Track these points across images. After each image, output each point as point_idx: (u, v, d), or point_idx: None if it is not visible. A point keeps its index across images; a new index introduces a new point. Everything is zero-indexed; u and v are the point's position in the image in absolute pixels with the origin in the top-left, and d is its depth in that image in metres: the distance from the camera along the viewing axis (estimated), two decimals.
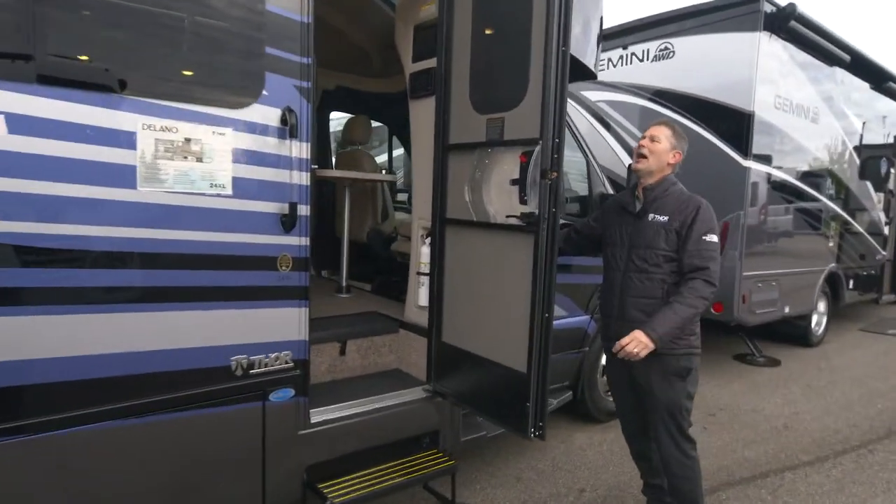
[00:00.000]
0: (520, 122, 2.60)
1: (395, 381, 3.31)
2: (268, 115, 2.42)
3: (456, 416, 3.19)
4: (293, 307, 2.60)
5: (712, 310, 5.52)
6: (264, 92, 2.40)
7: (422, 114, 3.30)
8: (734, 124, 5.44)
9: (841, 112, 6.86)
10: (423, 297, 3.32)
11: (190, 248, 2.28)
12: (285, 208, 2.49)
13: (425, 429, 3.12)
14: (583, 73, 3.43)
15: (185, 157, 2.23)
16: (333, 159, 5.71)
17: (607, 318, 2.75)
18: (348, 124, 5.02)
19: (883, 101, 7.71)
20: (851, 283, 7.56)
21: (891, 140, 8.09)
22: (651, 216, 2.58)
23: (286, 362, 2.60)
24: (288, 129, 2.45)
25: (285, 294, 2.56)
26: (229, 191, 2.36)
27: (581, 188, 4.19)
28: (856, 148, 7.29)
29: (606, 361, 2.98)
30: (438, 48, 3.00)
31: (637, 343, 2.42)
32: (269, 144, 2.45)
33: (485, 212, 2.76)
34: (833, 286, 7.29)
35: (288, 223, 2.50)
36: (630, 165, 2.75)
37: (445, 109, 3.00)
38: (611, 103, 6.51)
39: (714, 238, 2.47)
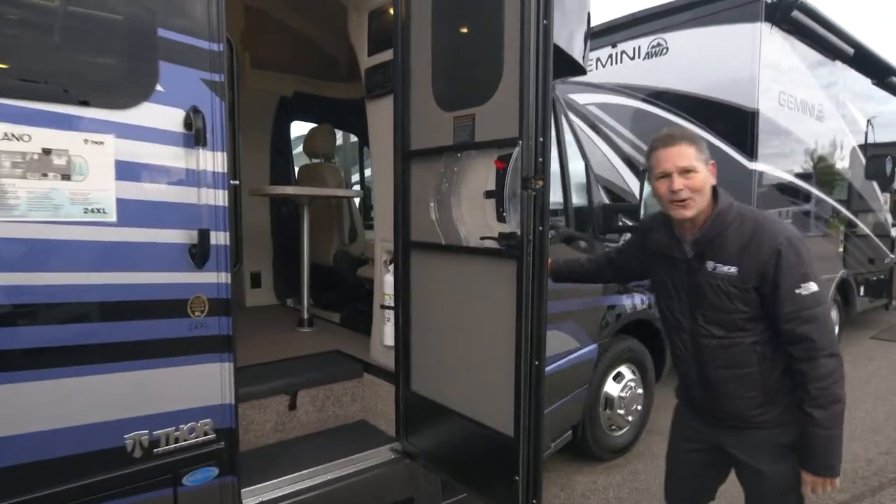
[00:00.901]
0: (494, 118, 2.06)
1: (358, 438, 2.73)
2: (165, 117, 1.87)
3: (433, 479, 2.61)
4: (212, 362, 2.03)
5: None
6: (158, 87, 1.85)
7: (380, 116, 2.76)
8: (737, 124, 4.96)
9: (845, 109, 6.42)
10: (388, 335, 2.75)
11: (58, 296, 1.71)
12: (194, 236, 1.92)
13: (396, 497, 2.54)
14: (570, 67, 2.92)
15: (45, 175, 1.66)
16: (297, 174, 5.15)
17: (686, 381, 1.96)
18: (309, 135, 4.48)
19: (886, 98, 7.29)
20: (862, 289, 7.08)
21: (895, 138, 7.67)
22: (711, 266, 1.73)
23: (205, 434, 2.02)
24: (194, 134, 1.89)
25: (201, 346, 1.99)
26: (112, 217, 1.80)
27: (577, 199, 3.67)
28: (861, 146, 6.85)
29: (671, 435, 2.17)
30: (394, 35, 2.47)
31: (824, 488, 1.69)
32: (169, 155, 1.89)
33: (455, 233, 2.21)
34: (844, 294, 6.80)
35: (199, 256, 1.93)
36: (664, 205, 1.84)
37: (404, 108, 2.46)
38: (602, 106, 6.02)
39: (812, 287, 1.60)
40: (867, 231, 7.11)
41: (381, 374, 2.82)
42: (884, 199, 7.54)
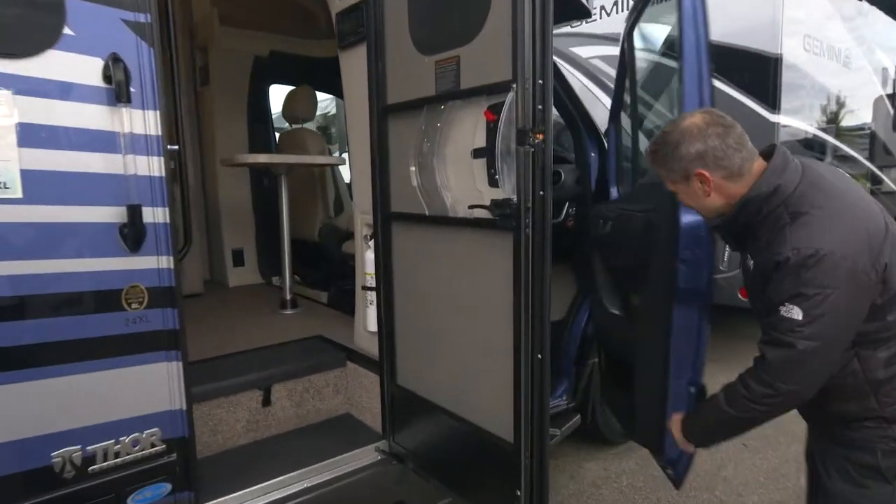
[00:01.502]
0: (482, 59, 1.68)
1: (342, 435, 2.44)
2: (77, 67, 1.51)
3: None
4: (157, 362, 1.72)
5: (739, 294, 4.64)
6: (66, 31, 1.49)
7: (354, 68, 2.37)
8: (758, 73, 4.50)
9: (873, 55, 5.92)
10: (372, 320, 2.43)
11: None
12: (123, 214, 1.58)
13: (384, 502, 2.27)
14: (574, 9, 2.53)
15: None
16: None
17: None
18: (288, 98, 4.08)
19: None
20: None
21: None
22: (751, 262, 1.44)
23: (152, 445, 1.73)
24: (114, 89, 1.54)
25: (141, 344, 1.68)
26: (17, 192, 1.46)
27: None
28: (889, 96, 6.36)
29: None
30: None
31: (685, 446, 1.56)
32: (85, 116, 1.54)
33: (441, 201, 1.86)
34: None
35: (131, 237, 1.60)
36: None
37: (378, 55, 2.08)
38: (608, 59, 5.54)
39: (795, 314, 1.23)
40: (893, 187, 6.68)
41: (366, 362, 2.51)
42: None
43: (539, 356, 1.63)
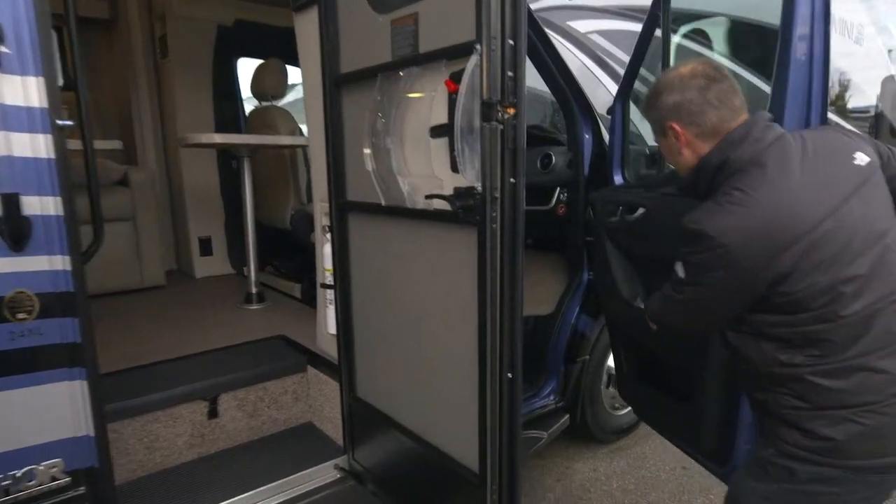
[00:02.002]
0: (443, 16, 1.38)
1: (300, 448, 2.18)
2: None
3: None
4: (56, 381, 1.44)
5: None
6: None
7: (309, 33, 2.05)
8: (764, 48, 4.18)
9: (885, 30, 5.58)
10: (332, 322, 2.15)
11: None
12: None
13: None
14: None
15: None
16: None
17: None
18: (257, 72, 3.75)
19: None
20: None
21: None
22: None
23: (53, 479, 1.46)
24: None
25: (34, 362, 1.40)
26: None
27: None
28: None
29: None
30: None
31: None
32: None
33: (397, 189, 1.56)
34: None
35: (9, 233, 1.31)
36: None
37: (331, 16, 1.77)
38: (607, 35, 5.19)
39: (680, 272, 1.21)
40: None
41: (328, 368, 2.24)
42: None
43: (509, 375, 1.36)
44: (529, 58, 2.82)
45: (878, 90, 5.66)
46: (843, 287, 1.07)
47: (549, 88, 2.85)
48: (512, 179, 1.29)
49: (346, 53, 1.76)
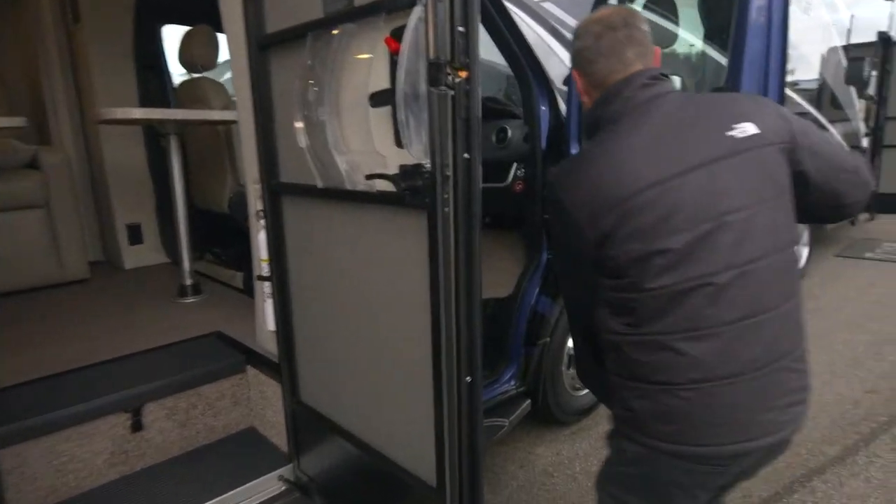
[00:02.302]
0: None
1: (241, 458, 1.97)
2: None
3: None
4: None
5: None
6: None
7: None
8: (717, 13, 4.10)
9: (831, 2, 5.65)
10: (271, 318, 1.94)
11: None
12: None
13: None
14: None
15: None
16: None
17: None
18: (184, 41, 3.39)
19: None
20: None
21: (873, 38, 7.01)
22: None
23: None
24: None
25: None
26: None
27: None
28: (844, 47, 6.16)
29: None
30: None
31: None
32: None
33: (335, 168, 1.35)
34: None
35: None
36: None
37: None
38: (560, 3, 5.00)
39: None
40: (842, 143, 6.57)
41: (269, 368, 2.02)
42: (859, 106, 6.97)
43: (468, 379, 1.19)
44: (483, 26, 2.64)
45: (821, 61, 5.77)
46: (655, 259, 1.01)
47: (505, 58, 2.68)
48: (466, 155, 1.11)
49: (273, 11, 1.51)
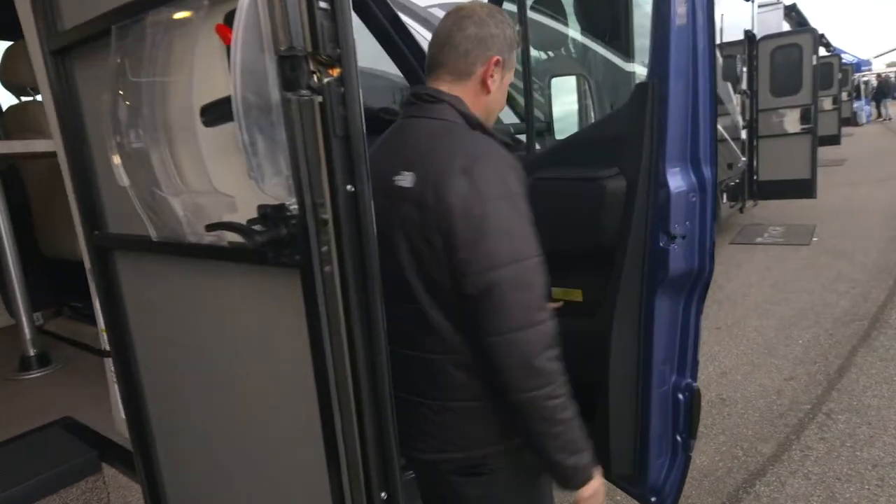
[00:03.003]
0: None
1: None
2: None
3: None
4: None
5: None
6: None
7: None
8: (611, 14, 4.10)
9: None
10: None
11: None
12: None
13: None
14: None
15: None
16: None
17: None
18: (4, 58, 2.78)
19: None
20: (725, 196, 7.02)
21: (740, 37, 7.54)
22: None
23: None
24: None
25: None
26: None
27: None
28: (718, 46, 6.50)
29: None
30: None
31: None
32: None
33: (171, 214, 0.96)
34: None
35: None
36: None
37: None
38: (448, 7, 4.81)
39: None
40: (725, 136, 6.95)
41: (130, 465, 1.56)
42: (736, 100, 7.43)
43: (383, 495, 0.86)
44: (377, 38, 2.35)
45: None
46: None
47: (400, 69, 2.42)
48: (350, 187, 0.78)
49: (69, 4, 1.10)
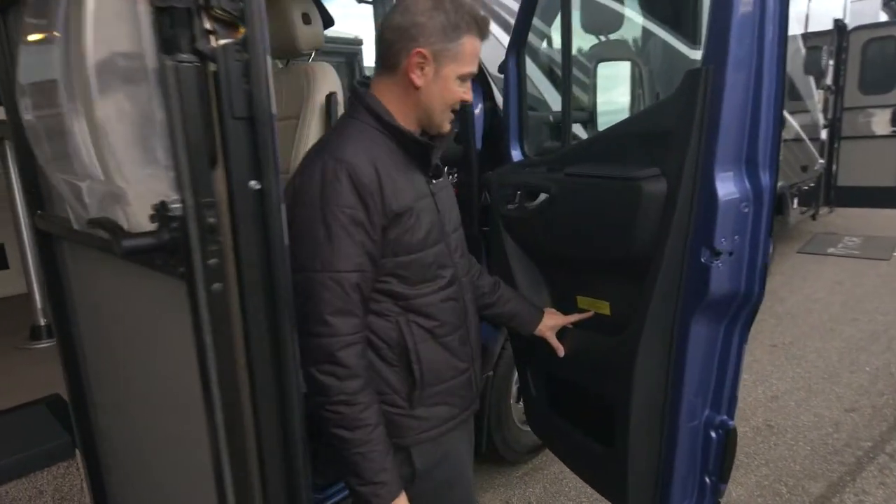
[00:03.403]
0: None
1: None
2: None
3: None
4: None
5: None
6: None
7: None
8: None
9: None
10: None
11: None
12: None
13: None
14: None
15: None
16: None
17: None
18: None
19: None
20: (796, 201, 6.44)
21: (830, 26, 6.83)
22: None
23: None
24: None
25: None
26: None
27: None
28: (802, 35, 5.92)
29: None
30: None
31: None
32: None
33: (80, 199, 0.82)
34: (779, 207, 6.12)
35: None
36: None
37: None
38: None
39: None
40: (802, 135, 6.36)
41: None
42: (818, 96, 6.78)
43: None
44: None
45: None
46: None
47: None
48: (255, 183, 0.60)
49: None
